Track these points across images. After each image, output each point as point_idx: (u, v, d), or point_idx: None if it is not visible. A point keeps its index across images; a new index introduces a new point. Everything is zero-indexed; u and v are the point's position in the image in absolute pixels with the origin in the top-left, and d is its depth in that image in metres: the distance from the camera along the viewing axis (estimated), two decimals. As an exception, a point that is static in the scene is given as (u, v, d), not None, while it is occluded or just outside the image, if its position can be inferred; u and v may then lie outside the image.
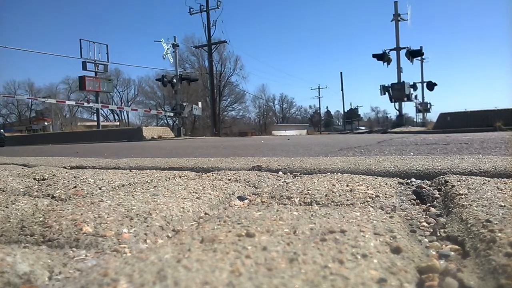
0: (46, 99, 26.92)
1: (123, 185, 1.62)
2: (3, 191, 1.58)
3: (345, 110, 60.85)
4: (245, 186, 1.54)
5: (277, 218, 0.89)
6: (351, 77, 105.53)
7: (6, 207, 1.17)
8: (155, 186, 1.46)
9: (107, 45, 27.23)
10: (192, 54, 44.49)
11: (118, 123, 43.60)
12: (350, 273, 0.58)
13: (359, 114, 65.35)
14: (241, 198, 1.35)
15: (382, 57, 27.46)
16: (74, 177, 1.76)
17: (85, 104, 27.67)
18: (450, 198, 1.14)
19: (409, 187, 1.44)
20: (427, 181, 1.55)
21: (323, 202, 1.16)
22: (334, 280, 0.56)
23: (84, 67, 25.61)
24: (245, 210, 1.04)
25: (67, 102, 32.30)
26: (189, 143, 9.94)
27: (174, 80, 24.87)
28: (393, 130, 20.67)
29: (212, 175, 1.83)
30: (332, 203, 1.14)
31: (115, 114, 44.79)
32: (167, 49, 25.02)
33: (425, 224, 0.96)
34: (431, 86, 33.30)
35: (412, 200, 1.24)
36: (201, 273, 0.58)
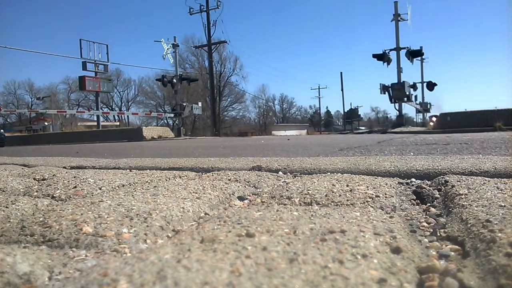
0: (46, 110, 27.11)
1: (123, 185, 1.63)
2: (3, 191, 1.58)
3: (345, 110, 60.75)
4: (245, 186, 1.54)
5: (277, 218, 0.89)
6: (351, 77, 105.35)
7: (6, 207, 1.17)
8: (155, 186, 1.46)
9: (107, 45, 27.27)
10: (192, 54, 44.53)
11: (118, 123, 43.58)
12: (350, 273, 0.58)
13: (359, 114, 65.16)
14: (241, 198, 1.35)
15: (382, 57, 27.44)
16: (74, 177, 1.76)
17: (86, 112, 27.72)
18: (450, 198, 1.14)
19: (409, 187, 1.44)
20: (427, 181, 1.55)
21: (323, 202, 1.16)
22: (334, 280, 0.56)
23: (84, 67, 25.63)
24: (245, 210, 1.04)
25: (68, 111, 31.94)
26: (189, 143, 9.94)
27: (174, 80, 24.89)
28: (393, 130, 20.67)
29: (212, 175, 1.83)
30: (332, 203, 1.14)
31: (115, 114, 44.75)
32: (167, 49, 25.04)
33: (425, 224, 0.96)
34: (431, 86, 33.31)
35: (412, 200, 1.24)
36: (201, 273, 0.58)
